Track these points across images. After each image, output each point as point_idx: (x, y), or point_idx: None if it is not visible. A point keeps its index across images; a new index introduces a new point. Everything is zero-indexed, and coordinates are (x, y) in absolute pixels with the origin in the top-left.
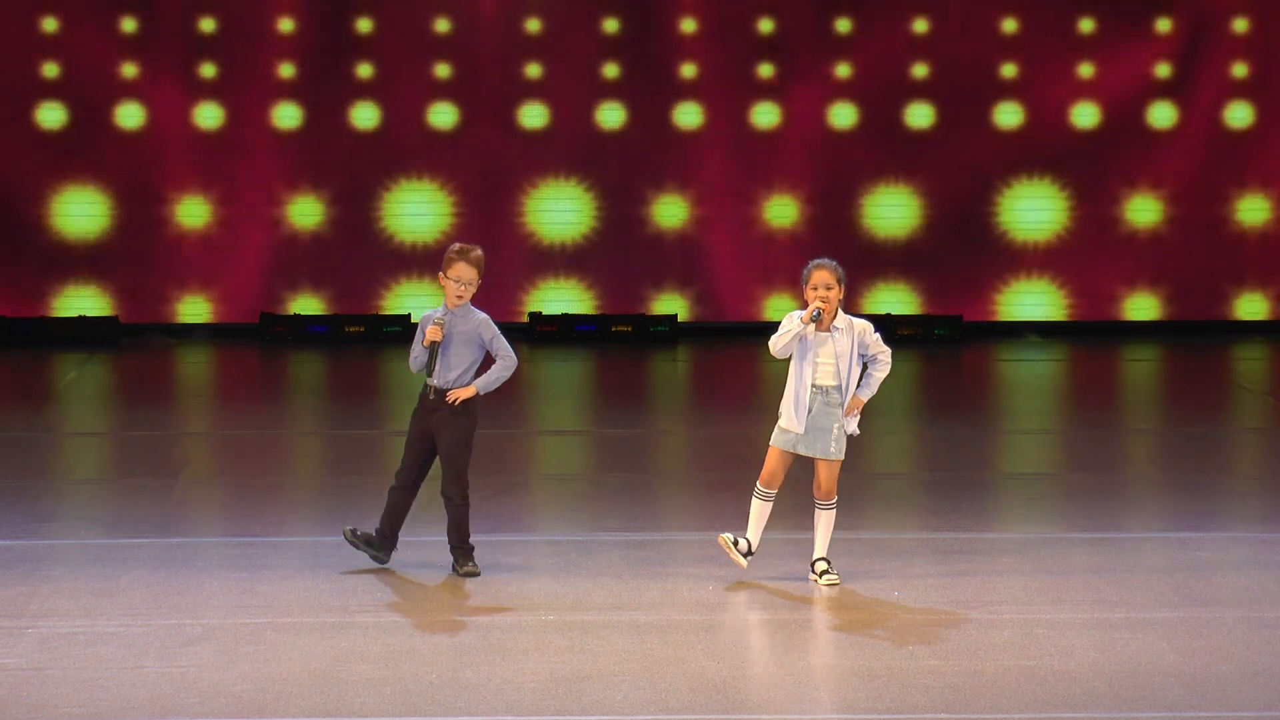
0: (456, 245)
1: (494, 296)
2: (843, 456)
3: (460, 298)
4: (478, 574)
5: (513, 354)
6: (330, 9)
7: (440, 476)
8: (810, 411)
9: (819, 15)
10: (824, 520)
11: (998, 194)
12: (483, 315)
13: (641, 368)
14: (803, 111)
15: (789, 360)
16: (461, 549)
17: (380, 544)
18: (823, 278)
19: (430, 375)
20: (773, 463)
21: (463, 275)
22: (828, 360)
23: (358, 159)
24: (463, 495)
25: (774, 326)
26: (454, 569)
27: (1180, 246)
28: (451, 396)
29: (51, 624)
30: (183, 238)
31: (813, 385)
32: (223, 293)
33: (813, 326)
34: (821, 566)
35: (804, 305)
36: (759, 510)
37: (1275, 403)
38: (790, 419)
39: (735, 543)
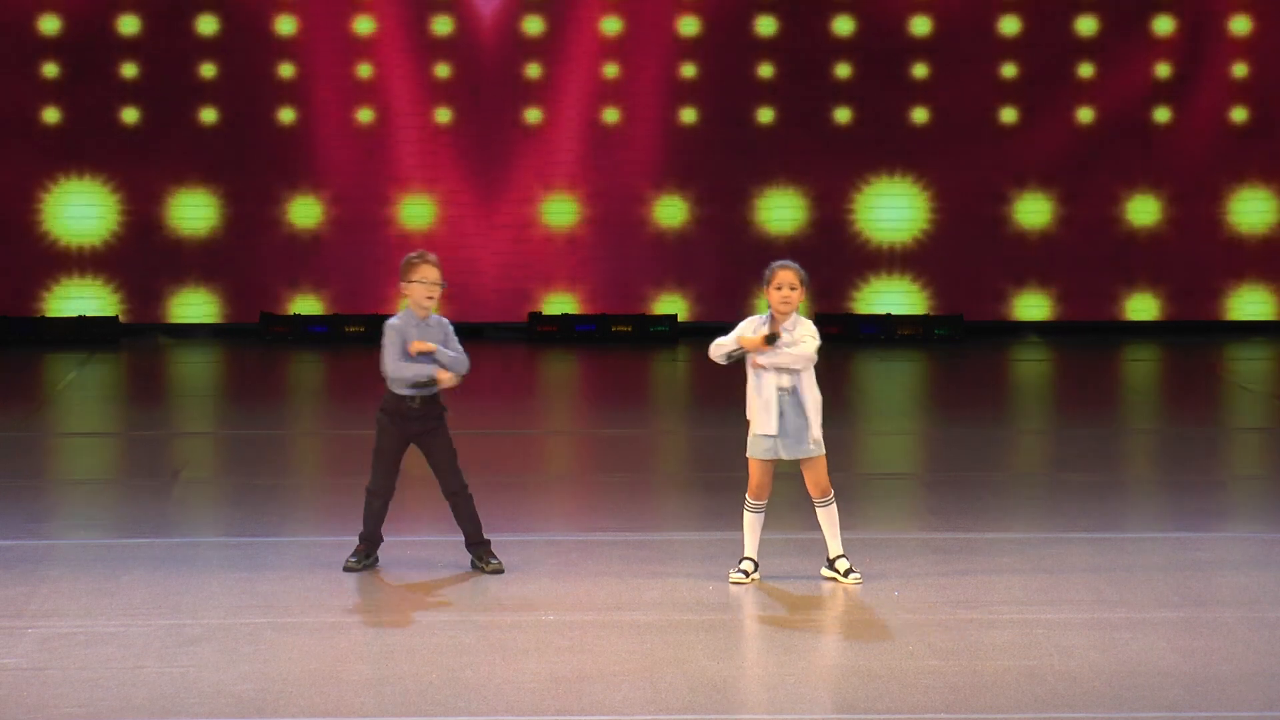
0: (417, 252)
1: (497, 296)
2: (824, 451)
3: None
4: (502, 570)
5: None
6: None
7: (435, 478)
8: (782, 415)
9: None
10: (827, 517)
11: (1000, 194)
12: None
13: (641, 368)
14: (802, 111)
15: (744, 365)
16: (484, 544)
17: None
18: (787, 278)
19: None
20: (757, 474)
21: (428, 276)
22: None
23: (360, 159)
24: (465, 485)
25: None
26: (478, 566)
27: (1180, 246)
28: (445, 386)
29: (51, 624)
30: (183, 237)
31: (778, 388)
32: (223, 293)
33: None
34: (844, 565)
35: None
36: (752, 523)
37: (1275, 403)
38: (762, 423)
39: (746, 574)
